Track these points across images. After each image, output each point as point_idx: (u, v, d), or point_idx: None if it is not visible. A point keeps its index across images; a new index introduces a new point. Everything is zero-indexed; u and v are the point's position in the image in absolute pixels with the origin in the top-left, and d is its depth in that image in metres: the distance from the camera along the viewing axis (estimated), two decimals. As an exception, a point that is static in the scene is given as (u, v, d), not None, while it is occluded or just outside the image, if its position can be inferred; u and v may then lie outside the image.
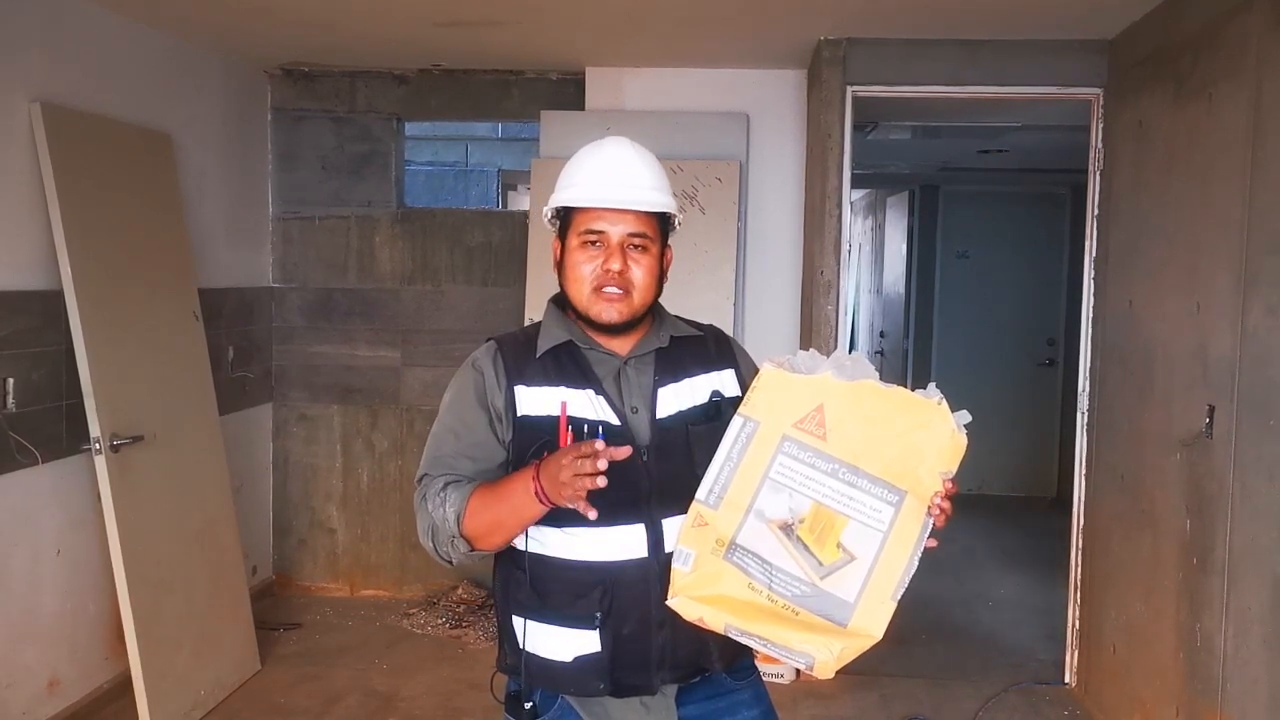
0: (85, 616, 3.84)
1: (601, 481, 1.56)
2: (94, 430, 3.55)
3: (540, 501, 1.65)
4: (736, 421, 1.68)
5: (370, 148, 5.30)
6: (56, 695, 3.70)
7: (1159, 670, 3.47)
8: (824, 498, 1.65)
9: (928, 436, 1.66)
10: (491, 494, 1.72)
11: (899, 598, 1.63)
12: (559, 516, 1.73)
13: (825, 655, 1.61)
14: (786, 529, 1.64)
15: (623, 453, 1.60)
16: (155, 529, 3.79)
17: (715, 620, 1.63)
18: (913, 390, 1.69)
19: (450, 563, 1.80)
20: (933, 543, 1.65)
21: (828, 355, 1.75)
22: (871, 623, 1.63)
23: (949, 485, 1.65)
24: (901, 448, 1.65)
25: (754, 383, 1.71)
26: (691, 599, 1.65)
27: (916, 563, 1.64)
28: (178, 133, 4.40)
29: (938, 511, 1.64)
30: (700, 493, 1.67)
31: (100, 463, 3.55)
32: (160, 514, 3.84)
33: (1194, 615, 3.22)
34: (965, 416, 1.67)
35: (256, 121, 5.20)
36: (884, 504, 1.64)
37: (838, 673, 1.65)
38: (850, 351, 1.75)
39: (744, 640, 1.63)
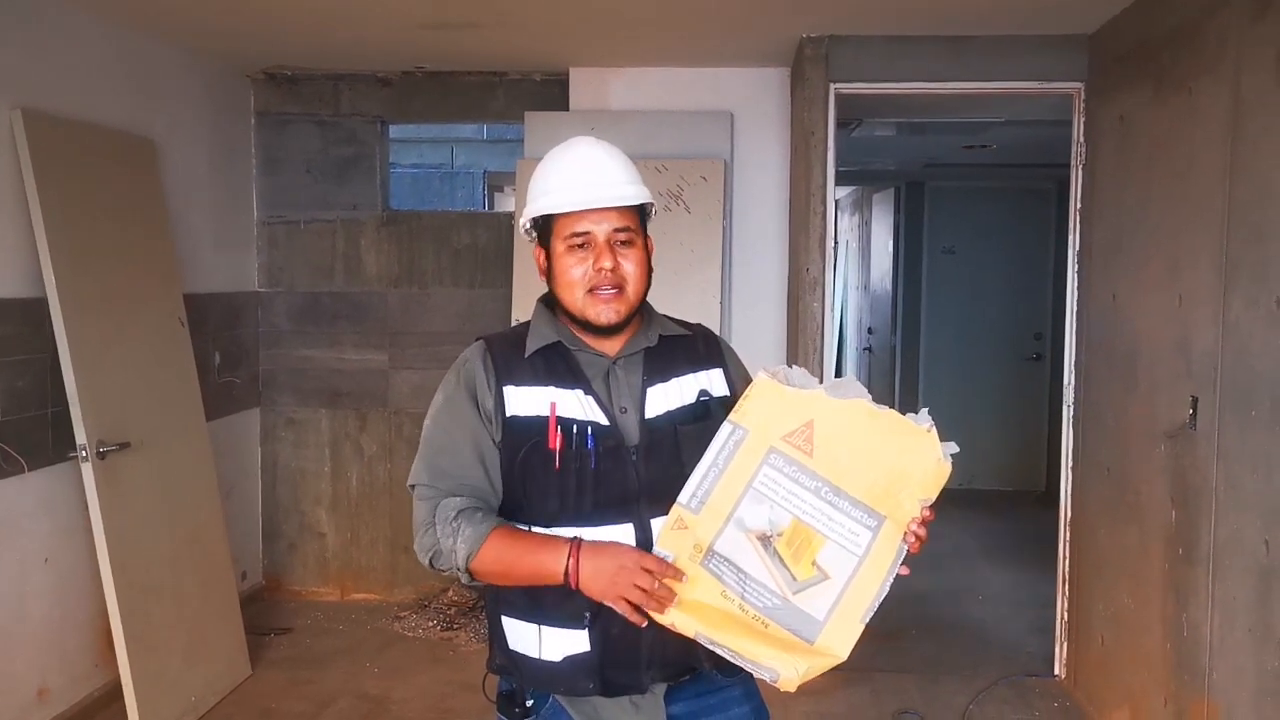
0: (74, 624, 3.83)
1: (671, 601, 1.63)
2: (80, 438, 3.54)
3: (568, 584, 1.67)
4: (725, 428, 1.69)
5: (355, 151, 5.29)
6: (46, 703, 3.69)
7: (1147, 661, 3.49)
8: (804, 514, 1.65)
9: (913, 462, 1.67)
10: (513, 551, 1.72)
11: (868, 620, 1.64)
12: (549, 515, 1.74)
13: (790, 672, 1.61)
14: (764, 541, 1.65)
15: (680, 573, 1.65)
16: (143, 535, 3.78)
17: (686, 625, 1.64)
18: (904, 414, 1.70)
19: (442, 574, 1.81)
20: (904, 569, 1.65)
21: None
22: (838, 642, 1.64)
23: (927, 512, 1.66)
24: (886, 471, 1.66)
25: (747, 391, 1.72)
26: None
27: (888, 588, 1.65)
28: (161, 138, 4.39)
29: (913, 539, 1.65)
30: (683, 496, 1.67)
31: (87, 470, 3.54)
32: (148, 520, 3.83)
33: (1180, 606, 3.24)
34: (953, 447, 1.68)
35: (240, 126, 5.19)
36: (863, 528, 1.65)
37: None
38: (840, 375, 1.77)
39: (712, 648, 1.64)
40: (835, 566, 1.64)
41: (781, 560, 1.64)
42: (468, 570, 1.74)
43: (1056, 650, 4.44)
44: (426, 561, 1.79)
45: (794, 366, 1.75)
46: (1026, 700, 4.23)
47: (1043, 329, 7.86)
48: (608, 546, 1.67)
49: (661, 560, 1.64)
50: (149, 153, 4.26)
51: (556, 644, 1.77)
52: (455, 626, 4.96)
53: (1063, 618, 4.41)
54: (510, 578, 1.75)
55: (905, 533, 1.65)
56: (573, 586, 1.66)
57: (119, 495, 3.66)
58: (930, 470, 1.67)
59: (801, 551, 1.64)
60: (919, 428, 1.68)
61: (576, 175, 1.80)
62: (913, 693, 4.26)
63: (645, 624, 1.64)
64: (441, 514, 1.75)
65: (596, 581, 1.64)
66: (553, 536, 1.71)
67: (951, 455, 1.68)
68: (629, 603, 1.63)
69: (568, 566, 1.65)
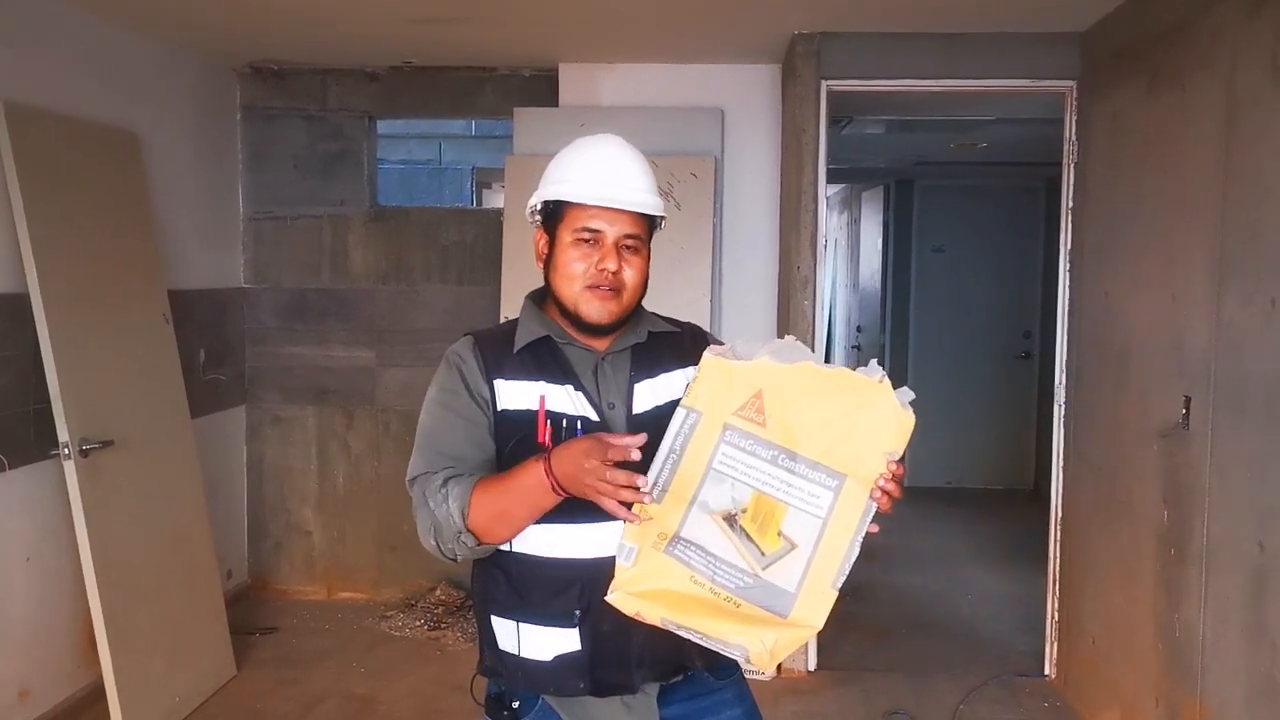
0: (56, 624, 3.79)
1: (644, 496, 1.56)
2: (63, 435, 3.50)
3: (556, 493, 1.63)
4: (679, 414, 1.66)
5: (342, 146, 5.25)
6: (27, 705, 3.64)
7: (1138, 660, 3.48)
8: (764, 485, 1.62)
9: (869, 416, 1.62)
10: (497, 486, 1.68)
11: (839, 586, 1.60)
12: None
13: (759, 647, 1.58)
14: (730, 519, 1.62)
15: (638, 440, 1.58)
16: (127, 534, 3.73)
17: (651, 614, 1.61)
18: (854, 369, 1.66)
19: (455, 560, 1.76)
20: (874, 528, 1.60)
21: (793, 336, 1.73)
22: (811, 613, 1.60)
23: (895, 466, 1.60)
24: (842, 429, 1.62)
25: (695, 374, 1.70)
26: (630, 594, 1.63)
27: (858, 549, 1.60)
28: (146, 133, 4.34)
29: (880, 495, 1.60)
30: (643, 486, 1.64)
31: (70, 468, 3.50)
32: (132, 519, 3.78)
33: (1173, 605, 3.23)
34: (908, 393, 1.63)
35: (226, 121, 5.14)
36: (822, 489, 1.61)
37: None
38: (787, 337, 1.73)
39: (681, 634, 1.61)
40: (800, 533, 1.60)
41: (748, 536, 1.61)
42: (470, 531, 1.68)
43: (1047, 650, 4.43)
44: (432, 543, 1.73)
45: (739, 339, 1.72)
46: (1017, 700, 4.23)
47: (1032, 327, 7.88)
48: (570, 446, 1.61)
49: (604, 445, 1.57)
50: (133, 147, 4.21)
51: (546, 642, 1.75)
52: (443, 626, 4.92)
53: (1053, 617, 4.40)
54: (511, 518, 1.69)
55: (872, 490, 1.60)
56: (563, 494, 1.62)
57: (102, 494, 3.62)
58: (889, 421, 1.61)
59: (766, 524, 1.61)
60: (870, 380, 1.63)
61: (603, 172, 1.78)
62: (903, 692, 4.25)
63: (637, 520, 1.60)
64: (430, 488, 1.72)
65: (573, 485, 1.60)
66: (529, 461, 1.66)
67: (910, 402, 1.63)
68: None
69: (550, 483, 1.62)
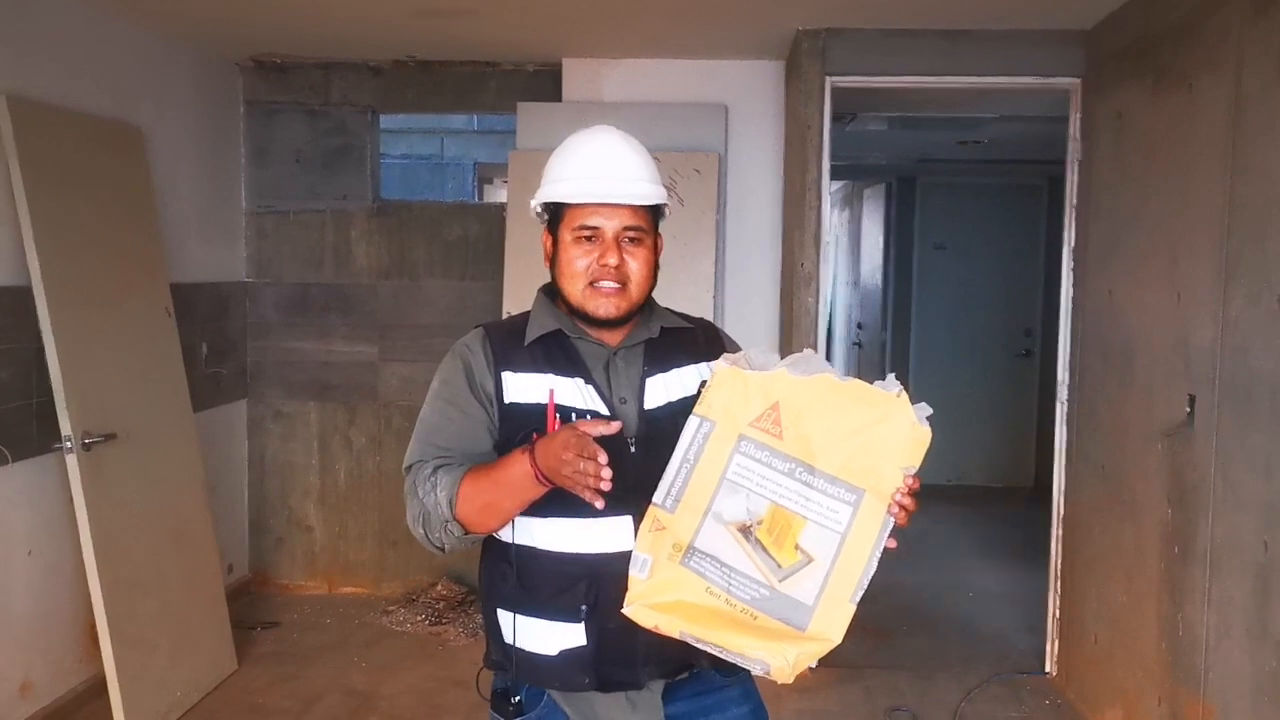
0: (58, 618, 3.78)
1: (606, 485, 1.55)
2: (65, 429, 3.49)
3: (541, 483, 1.63)
4: (693, 422, 1.65)
5: (345, 141, 5.24)
6: (29, 698, 3.64)
7: (1141, 659, 3.48)
8: (781, 498, 1.61)
9: (887, 430, 1.61)
10: (485, 477, 1.68)
11: (858, 600, 1.59)
12: (545, 507, 1.70)
13: (780, 661, 1.57)
14: (745, 531, 1.61)
15: (614, 427, 1.59)
16: (129, 528, 3.73)
17: (670, 627, 1.60)
18: (871, 383, 1.65)
19: (442, 550, 1.76)
20: (892, 543, 1.60)
21: (812, 349, 1.72)
22: (829, 627, 1.59)
23: (911, 481, 1.61)
24: (859, 443, 1.61)
25: (709, 381, 1.68)
26: (647, 607, 1.62)
27: (876, 563, 1.59)
28: (148, 126, 4.33)
29: (898, 509, 1.60)
30: (657, 496, 1.63)
31: (72, 462, 3.49)
32: (134, 513, 3.78)
33: (1176, 605, 3.22)
34: (925, 409, 1.62)
35: (229, 114, 5.13)
36: (841, 504, 1.60)
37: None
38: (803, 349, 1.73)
39: (700, 646, 1.60)
40: (818, 547, 1.59)
41: (764, 548, 1.60)
42: (458, 520, 1.69)
43: (1048, 648, 4.43)
44: (420, 532, 1.74)
45: (753, 348, 1.71)
46: (1019, 697, 4.23)
47: (1033, 325, 7.87)
48: (552, 438, 1.61)
49: (582, 438, 1.56)
50: (136, 141, 4.20)
51: (552, 638, 1.75)
52: (444, 621, 4.92)
53: (1054, 615, 4.40)
54: (499, 508, 1.69)
55: (889, 504, 1.59)
56: (547, 485, 1.62)
57: (104, 487, 3.61)
58: (906, 436, 1.61)
59: (783, 536, 1.60)
60: (888, 394, 1.62)
61: (594, 165, 1.76)
62: (905, 690, 4.25)
63: (603, 504, 1.58)
64: (420, 477, 1.73)
65: (555, 477, 1.60)
66: (514, 451, 1.67)
67: (927, 417, 1.62)
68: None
69: (535, 473, 1.62)
